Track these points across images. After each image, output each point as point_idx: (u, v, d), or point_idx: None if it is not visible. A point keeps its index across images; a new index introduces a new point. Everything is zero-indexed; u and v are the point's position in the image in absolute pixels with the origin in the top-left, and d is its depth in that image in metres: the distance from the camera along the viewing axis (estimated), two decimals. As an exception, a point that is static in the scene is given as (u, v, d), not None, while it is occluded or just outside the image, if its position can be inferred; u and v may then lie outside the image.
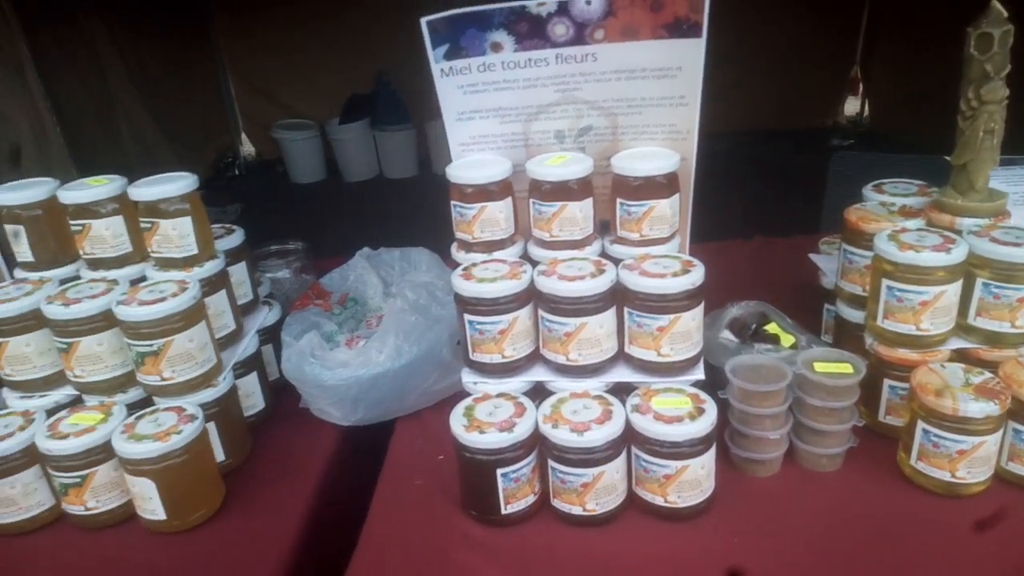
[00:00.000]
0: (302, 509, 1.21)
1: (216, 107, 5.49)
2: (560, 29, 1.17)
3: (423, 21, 1.18)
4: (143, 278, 1.30)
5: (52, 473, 1.15)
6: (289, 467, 1.31)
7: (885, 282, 1.16)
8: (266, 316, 1.50)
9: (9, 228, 1.29)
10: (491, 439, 1.07)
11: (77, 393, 1.26)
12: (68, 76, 3.64)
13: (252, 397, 1.40)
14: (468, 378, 1.24)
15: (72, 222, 1.28)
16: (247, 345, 1.38)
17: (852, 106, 5.92)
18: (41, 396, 1.26)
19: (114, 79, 4.34)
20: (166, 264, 1.28)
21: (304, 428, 1.41)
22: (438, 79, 1.23)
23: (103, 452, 1.14)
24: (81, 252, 1.31)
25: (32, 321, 1.22)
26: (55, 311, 1.17)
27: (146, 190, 1.25)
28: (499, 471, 1.08)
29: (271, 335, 1.50)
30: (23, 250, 1.30)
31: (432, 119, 4.98)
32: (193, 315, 1.18)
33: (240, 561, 1.12)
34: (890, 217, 1.28)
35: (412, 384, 1.37)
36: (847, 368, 1.16)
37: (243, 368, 1.37)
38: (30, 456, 1.15)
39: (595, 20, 1.16)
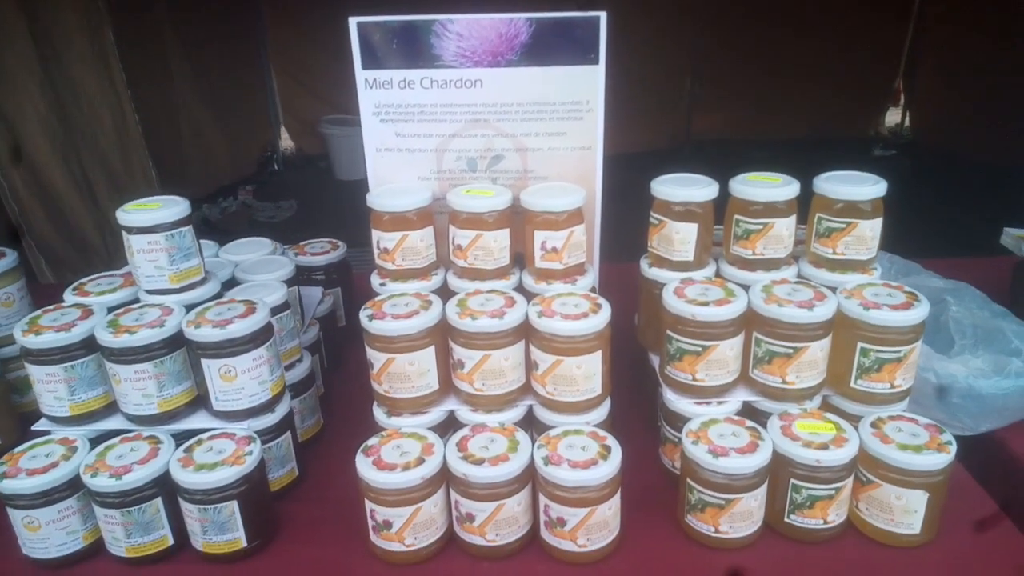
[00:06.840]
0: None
1: (261, 103, 5.26)
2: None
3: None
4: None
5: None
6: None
7: None
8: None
9: (682, 226, 1.25)
10: None
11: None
12: (140, 68, 3.48)
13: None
14: None
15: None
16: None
17: (892, 117, 5.83)
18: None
19: (176, 69, 4.18)
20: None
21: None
22: None
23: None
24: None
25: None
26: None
27: (840, 188, 1.20)
28: None
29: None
30: (687, 249, 1.26)
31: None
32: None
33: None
34: None
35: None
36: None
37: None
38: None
39: None
